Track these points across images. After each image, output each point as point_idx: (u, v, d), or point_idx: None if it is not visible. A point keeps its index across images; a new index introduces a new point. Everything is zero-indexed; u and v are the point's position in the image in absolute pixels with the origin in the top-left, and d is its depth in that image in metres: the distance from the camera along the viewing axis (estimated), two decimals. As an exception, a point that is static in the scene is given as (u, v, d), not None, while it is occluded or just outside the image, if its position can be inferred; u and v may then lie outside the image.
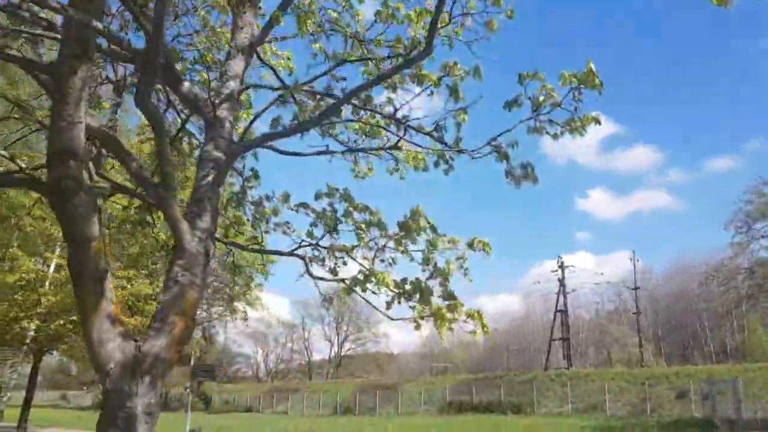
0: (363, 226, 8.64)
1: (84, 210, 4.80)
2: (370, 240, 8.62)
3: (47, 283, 29.23)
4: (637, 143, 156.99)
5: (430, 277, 7.90)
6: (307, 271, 8.63)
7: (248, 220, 9.74)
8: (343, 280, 8.45)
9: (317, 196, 8.97)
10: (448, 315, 7.44)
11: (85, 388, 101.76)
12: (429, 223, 8.19)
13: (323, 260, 8.83)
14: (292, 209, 9.27)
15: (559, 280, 67.37)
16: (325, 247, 8.83)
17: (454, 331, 7.59)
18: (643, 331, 71.50)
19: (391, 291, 7.79)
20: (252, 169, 9.67)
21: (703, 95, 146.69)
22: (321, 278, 8.69)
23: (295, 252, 8.84)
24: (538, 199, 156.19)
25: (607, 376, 54.14)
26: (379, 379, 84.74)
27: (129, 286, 26.86)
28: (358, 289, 7.97)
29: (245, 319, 37.34)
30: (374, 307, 7.99)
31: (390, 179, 8.61)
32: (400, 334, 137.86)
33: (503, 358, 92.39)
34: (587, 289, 75.00)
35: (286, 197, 9.37)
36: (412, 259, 8.26)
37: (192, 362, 26.42)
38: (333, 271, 8.70)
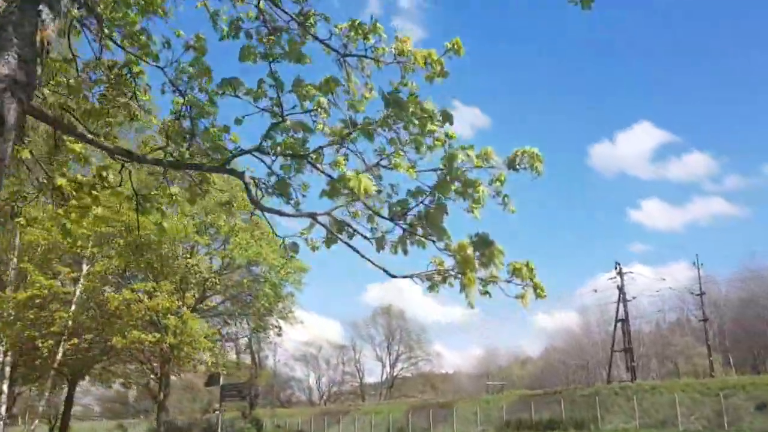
0: (326, 103, 5.52)
1: None
2: (344, 136, 5.49)
3: (72, 302, 27.60)
4: (690, 151, 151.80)
5: (443, 185, 4.88)
6: (249, 196, 5.55)
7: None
8: (312, 215, 5.45)
9: (244, 56, 5.53)
10: (481, 268, 4.83)
11: (141, 416, 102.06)
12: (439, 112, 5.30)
13: (269, 179, 5.72)
14: (216, 93, 5.94)
15: (618, 287, 63.45)
16: (268, 153, 5.70)
17: (492, 296, 4.95)
18: (709, 340, 66.88)
19: (381, 216, 5.01)
20: None
21: (758, 96, 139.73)
22: (278, 212, 5.66)
23: (229, 167, 5.79)
24: (587, 214, 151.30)
25: (677, 387, 50.14)
26: (433, 398, 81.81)
27: (147, 300, 24.64)
28: (343, 233, 5.17)
29: (279, 335, 35.05)
30: (367, 258, 5.15)
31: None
32: (453, 354, 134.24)
33: (562, 374, 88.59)
34: (646, 299, 71.10)
35: (207, 70, 5.95)
36: (414, 170, 5.14)
37: (221, 381, 24.19)
38: (281, 188, 5.58)
